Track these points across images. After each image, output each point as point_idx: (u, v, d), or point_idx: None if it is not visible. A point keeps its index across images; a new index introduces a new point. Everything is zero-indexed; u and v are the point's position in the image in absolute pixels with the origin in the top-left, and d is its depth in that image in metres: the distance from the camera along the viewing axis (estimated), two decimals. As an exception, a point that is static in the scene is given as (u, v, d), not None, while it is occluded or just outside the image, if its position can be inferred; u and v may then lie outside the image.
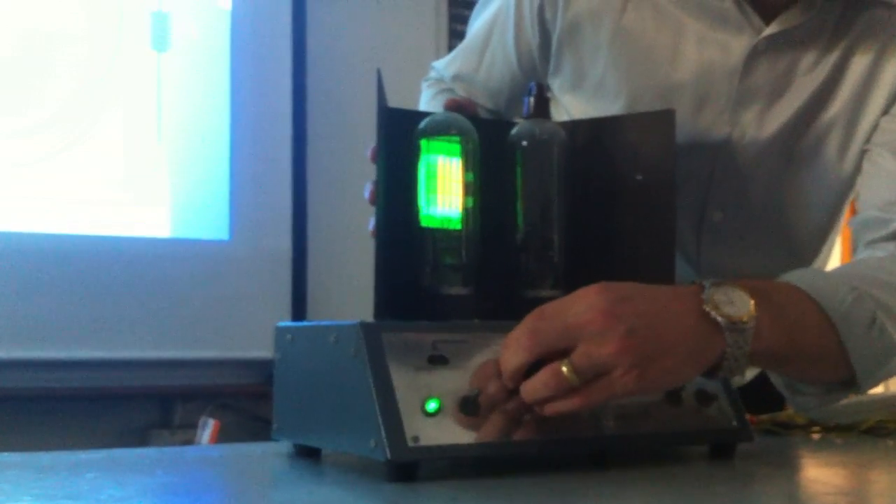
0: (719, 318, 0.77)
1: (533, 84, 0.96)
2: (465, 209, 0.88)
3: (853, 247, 1.10)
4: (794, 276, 0.91)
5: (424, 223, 0.88)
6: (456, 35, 3.21)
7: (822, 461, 0.94)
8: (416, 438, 0.71)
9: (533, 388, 0.74)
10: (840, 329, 0.88)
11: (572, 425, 0.77)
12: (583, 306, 0.75)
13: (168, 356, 2.80)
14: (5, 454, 0.83)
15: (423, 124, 0.89)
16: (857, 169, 1.14)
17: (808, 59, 1.12)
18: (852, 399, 1.11)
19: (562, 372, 0.73)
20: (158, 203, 2.87)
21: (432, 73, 1.42)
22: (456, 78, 1.35)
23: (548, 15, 1.19)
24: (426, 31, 3.24)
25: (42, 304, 2.66)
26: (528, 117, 0.96)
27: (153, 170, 2.86)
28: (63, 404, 2.74)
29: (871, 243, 1.07)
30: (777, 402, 1.12)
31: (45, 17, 2.78)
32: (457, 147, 0.89)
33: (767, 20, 1.11)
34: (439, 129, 0.89)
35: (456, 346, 0.77)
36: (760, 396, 1.09)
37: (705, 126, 1.14)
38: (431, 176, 0.88)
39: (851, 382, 0.93)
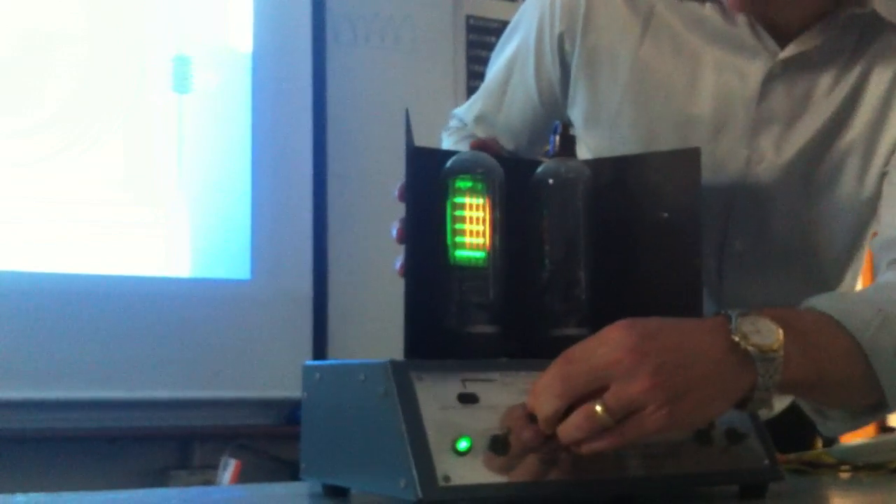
0: (750, 348, 0.76)
1: (558, 123, 0.97)
2: (492, 247, 0.88)
3: (875, 268, 1.09)
4: (818, 302, 0.90)
5: (451, 262, 0.88)
6: (475, 76, 3.23)
7: (852, 500, 0.93)
8: (447, 478, 0.71)
9: (567, 431, 0.73)
10: (869, 353, 0.86)
11: (602, 466, 0.77)
12: (610, 346, 0.75)
13: (188, 396, 2.80)
14: (27, 495, 0.83)
15: (449, 163, 0.89)
16: (878, 193, 1.13)
17: (824, 82, 1.12)
18: (881, 438, 1.10)
19: (595, 413, 0.73)
20: (179, 244, 2.88)
21: (452, 122, 1.42)
22: (478, 120, 1.35)
23: (567, 47, 1.20)
24: (445, 74, 3.26)
25: (62, 344, 2.67)
26: (553, 156, 0.96)
27: (173, 211, 2.88)
28: (82, 445, 2.74)
29: (893, 263, 1.05)
30: (804, 441, 1.11)
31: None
32: (483, 185, 0.89)
33: (783, 44, 1.11)
34: (465, 168, 0.89)
35: (485, 384, 0.77)
36: (787, 435, 1.08)
37: (723, 154, 1.14)
38: (458, 214, 0.88)
39: (880, 406, 0.91)
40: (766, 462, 0.85)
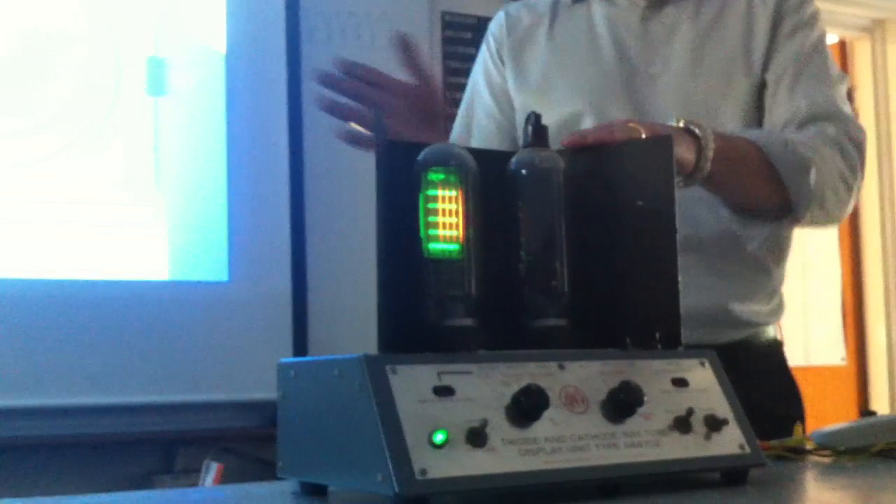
0: (695, 128, 1.16)
1: (531, 113, 0.96)
2: (466, 240, 0.88)
3: None
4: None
5: (426, 255, 0.87)
6: (451, 73, 3.22)
7: (835, 485, 0.93)
8: (423, 471, 0.70)
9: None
10: (763, 146, 1.27)
11: (583, 455, 0.76)
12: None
13: (169, 400, 2.78)
14: (7, 500, 0.82)
15: (422, 156, 0.89)
16: (759, 87, 1.43)
17: (688, 9, 1.45)
18: (862, 422, 1.10)
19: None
20: (157, 247, 2.87)
21: None
22: None
23: (503, 52, 1.55)
24: (420, 71, 3.25)
25: (40, 350, 2.65)
26: (526, 146, 0.96)
27: (151, 215, 2.86)
28: (62, 452, 2.71)
29: (798, 127, 1.38)
30: (785, 428, 1.11)
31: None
32: (455, 177, 0.88)
33: None
34: (438, 160, 0.88)
35: (462, 376, 0.76)
36: (768, 422, 1.08)
37: (628, 78, 1.45)
38: (431, 207, 0.87)
39: (787, 207, 1.30)
40: (748, 448, 0.84)
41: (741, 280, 1.44)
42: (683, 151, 1.13)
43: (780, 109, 1.40)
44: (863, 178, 1.39)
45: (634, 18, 1.47)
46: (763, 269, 1.47)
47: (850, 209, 1.38)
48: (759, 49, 1.43)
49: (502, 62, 1.55)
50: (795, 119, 1.38)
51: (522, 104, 1.52)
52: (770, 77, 1.42)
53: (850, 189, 1.35)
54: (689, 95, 1.43)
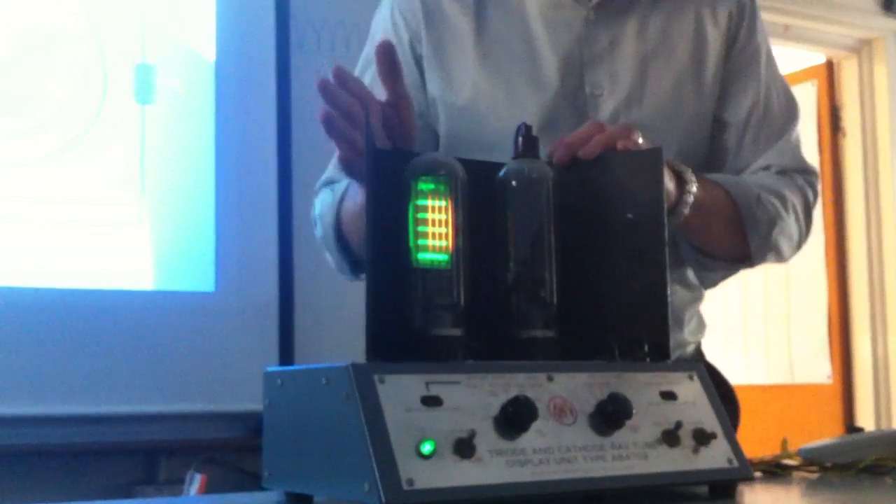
0: (682, 172, 1.15)
1: (521, 124, 0.96)
2: (455, 249, 0.87)
3: None
4: (714, 175, 1.31)
5: (414, 264, 0.87)
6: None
7: (821, 500, 0.93)
8: (410, 481, 0.69)
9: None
10: (737, 199, 1.27)
11: (570, 467, 0.76)
12: None
13: (153, 410, 2.76)
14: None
15: (411, 165, 0.88)
16: (710, 110, 1.38)
17: (634, 20, 1.35)
18: (848, 438, 1.10)
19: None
20: (140, 255, 2.85)
21: (320, 188, 1.42)
22: None
23: (417, 49, 1.35)
24: (410, 81, 3.25)
25: (21, 358, 2.62)
26: (516, 157, 0.96)
27: (136, 222, 2.85)
28: (42, 460, 2.68)
29: (776, 174, 1.39)
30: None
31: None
32: (445, 187, 0.88)
33: None
34: (427, 169, 0.88)
35: (449, 386, 0.76)
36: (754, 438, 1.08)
37: (569, 91, 1.33)
38: (420, 217, 0.87)
39: (747, 256, 1.31)
40: (735, 462, 0.84)
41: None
42: (667, 182, 1.08)
43: (747, 155, 1.40)
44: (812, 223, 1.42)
45: (578, 21, 1.34)
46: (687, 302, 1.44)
47: (799, 250, 1.41)
48: (710, 75, 1.37)
49: (418, 59, 1.35)
50: (767, 169, 1.39)
51: (448, 119, 1.34)
52: (731, 119, 1.39)
53: (802, 235, 1.39)
54: (634, 121, 1.30)
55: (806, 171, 1.42)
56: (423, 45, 1.35)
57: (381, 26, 1.39)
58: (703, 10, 1.39)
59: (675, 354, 1.33)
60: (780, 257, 1.37)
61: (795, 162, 1.41)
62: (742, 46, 1.41)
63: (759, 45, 1.43)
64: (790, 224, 1.35)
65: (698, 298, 1.46)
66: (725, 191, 1.28)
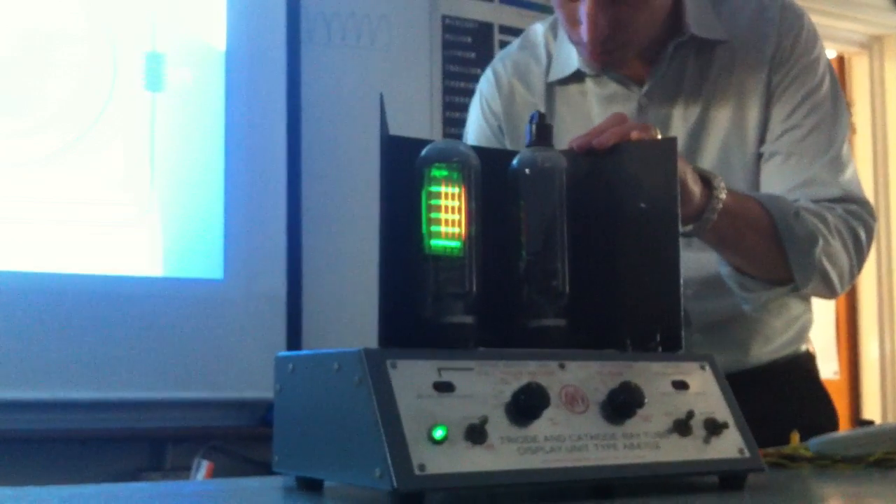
0: (710, 177, 1.16)
1: (535, 112, 0.96)
2: (468, 237, 0.87)
3: None
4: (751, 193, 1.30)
5: (427, 251, 0.86)
6: (450, 76, 3.22)
7: (832, 492, 0.93)
8: (422, 467, 0.69)
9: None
10: (774, 214, 1.23)
11: (581, 455, 0.76)
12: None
13: (160, 397, 2.77)
14: (-3, 489, 0.81)
15: (424, 152, 0.88)
16: (756, 172, 1.39)
17: (684, 95, 1.41)
18: (858, 431, 1.10)
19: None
20: (152, 243, 2.85)
21: None
22: None
23: (499, 119, 1.52)
24: (421, 74, 3.24)
25: (31, 344, 2.63)
26: (529, 145, 0.95)
27: (146, 211, 2.85)
28: (51, 446, 2.70)
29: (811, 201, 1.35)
30: (782, 436, 1.11)
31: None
32: (458, 174, 0.88)
33: (641, 84, 1.42)
34: (441, 157, 0.88)
35: (462, 373, 0.76)
36: (765, 430, 1.08)
37: None
38: (433, 203, 0.87)
39: (789, 279, 1.26)
40: (746, 453, 0.84)
41: (760, 325, 1.43)
42: (692, 184, 1.11)
43: (776, 182, 1.36)
44: (866, 258, 1.36)
45: (631, 107, 1.41)
46: (772, 316, 1.45)
47: (849, 285, 1.36)
48: (754, 120, 1.39)
49: (500, 124, 1.51)
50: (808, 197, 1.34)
51: None
52: (771, 149, 1.37)
53: (854, 266, 1.33)
54: None
55: (852, 201, 1.35)
56: (503, 118, 1.52)
57: (476, 103, 1.57)
58: (745, 78, 1.39)
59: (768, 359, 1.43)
60: (829, 285, 1.31)
61: (847, 192, 1.35)
62: (786, 71, 1.38)
63: (809, 67, 1.39)
64: (836, 247, 1.29)
65: (783, 316, 1.45)
66: (759, 202, 1.25)
